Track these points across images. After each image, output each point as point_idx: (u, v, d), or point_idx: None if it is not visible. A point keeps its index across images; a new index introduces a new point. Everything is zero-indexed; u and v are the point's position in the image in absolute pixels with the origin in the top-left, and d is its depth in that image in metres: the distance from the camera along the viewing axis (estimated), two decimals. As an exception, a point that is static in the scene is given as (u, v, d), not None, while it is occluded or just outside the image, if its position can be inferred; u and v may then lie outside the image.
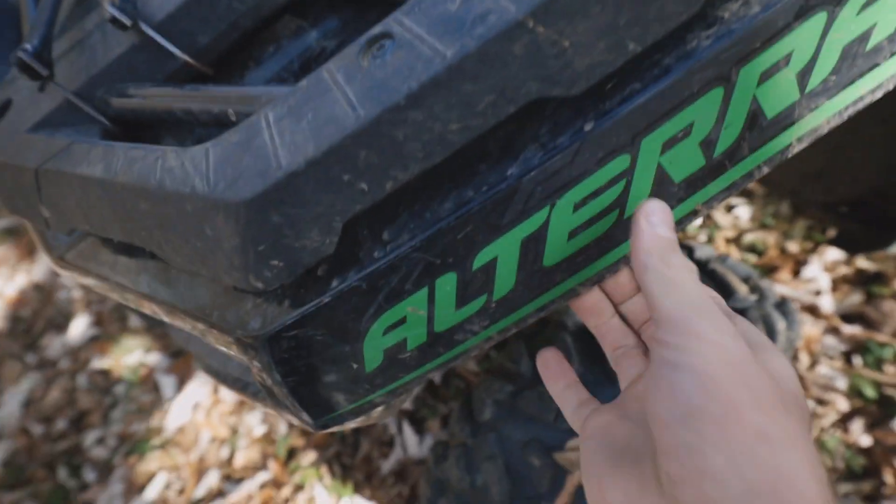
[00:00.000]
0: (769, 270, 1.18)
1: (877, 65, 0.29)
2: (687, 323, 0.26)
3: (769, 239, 1.22)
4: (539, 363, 0.40)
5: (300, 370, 0.33)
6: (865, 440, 0.95)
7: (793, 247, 1.19)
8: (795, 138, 0.30)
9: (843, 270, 1.14)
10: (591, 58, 0.25)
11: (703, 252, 0.76)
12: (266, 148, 0.27)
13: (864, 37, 0.29)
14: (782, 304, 0.73)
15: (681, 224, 0.31)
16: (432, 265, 0.30)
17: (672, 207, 0.30)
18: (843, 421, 0.98)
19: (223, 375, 0.52)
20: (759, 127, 0.29)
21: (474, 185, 0.28)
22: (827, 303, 1.11)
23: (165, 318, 0.42)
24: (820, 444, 0.96)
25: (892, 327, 1.03)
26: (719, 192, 0.31)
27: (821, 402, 1.01)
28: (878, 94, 0.30)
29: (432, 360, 0.35)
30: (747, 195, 1.28)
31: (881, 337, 1.03)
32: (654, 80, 0.27)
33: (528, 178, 0.28)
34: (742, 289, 0.70)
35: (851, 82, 0.29)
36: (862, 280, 1.12)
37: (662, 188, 0.30)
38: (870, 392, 0.98)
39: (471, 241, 0.29)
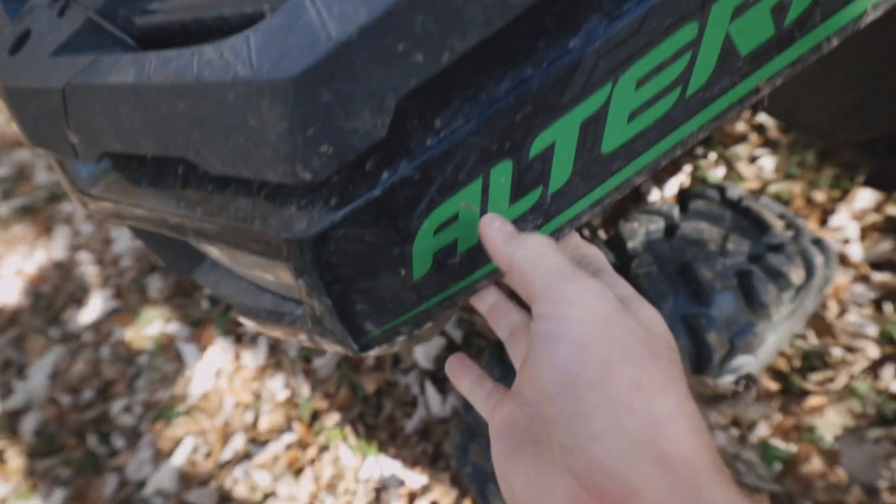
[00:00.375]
0: (795, 220, 1.16)
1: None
2: (555, 289, 0.26)
3: (795, 188, 1.19)
4: (447, 370, 0.40)
5: (346, 277, 0.32)
6: (897, 385, 0.93)
7: (819, 196, 1.17)
8: (871, 4, 0.28)
9: (873, 218, 1.11)
10: None
11: (734, 191, 0.74)
12: (313, 23, 0.26)
13: None
14: (819, 241, 0.71)
15: (742, 103, 0.30)
16: (488, 152, 0.28)
17: (734, 84, 0.29)
18: (874, 368, 0.97)
19: (256, 311, 0.51)
20: (836, -10, 0.27)
21: (533, 61, 0.27)
22: (856, 251, 1.08)
23: (203, 242, 0.41)
24: (850, 391, 0.95)
25: (925, 272, 1.01)
26: (784, 68, 0.29)
27: (850, 349, 1.00)
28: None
29: (482, 266, 0.34)
30: (772, 146, 1.25)
31: (913, 282, 1.00)
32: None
33: (591, 51, 0.26)
34: (778, 225, 0.68)
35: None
36: (892, 227, 1.09)
37: (727, 62, 0.28)
38: (902, 337, 0.96)
39: (529, 123, 0.28)
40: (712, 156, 1.28)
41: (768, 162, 1.23)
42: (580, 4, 0.26)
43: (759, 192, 1.20)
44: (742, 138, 1.27)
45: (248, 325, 0.55)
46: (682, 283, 0.61)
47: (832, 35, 0.29)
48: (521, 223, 0.32)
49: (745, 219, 0.69)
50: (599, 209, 0.32)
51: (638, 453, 0.23)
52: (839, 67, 0.81)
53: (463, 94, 0.28)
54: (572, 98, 0.27)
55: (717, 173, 1.24)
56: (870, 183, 0.86)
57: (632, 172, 0.31)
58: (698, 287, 0.60)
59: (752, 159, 1.24)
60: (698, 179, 1.24)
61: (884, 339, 0.98)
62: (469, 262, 0.33)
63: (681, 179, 1.27)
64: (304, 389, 1.26)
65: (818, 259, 0.66)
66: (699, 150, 1.29)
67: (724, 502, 0.22)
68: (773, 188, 1.20)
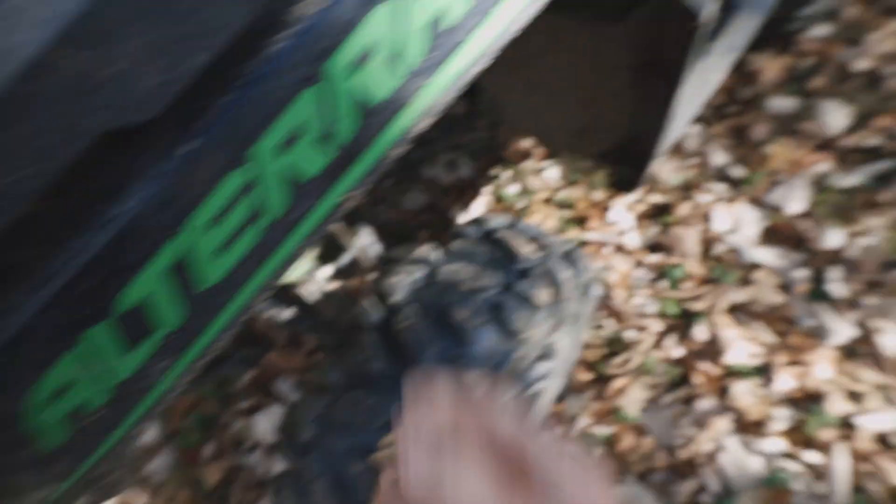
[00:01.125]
0: (582, 221, 1.29)
1: (460, 43, 0.32)
2: None
3: (577, 193, 1.33)
4: None
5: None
6: (677, 352, 1.07)
7: (598, 196, 1.32)
8: (420, 114, 0.32)
9: (641, 208, 1.28)
10: (153, 78, 0.25)
11: (495, 221, 0.81)
12: None
13: (441, 16, 0.31)
14: (569, 253, 0.80)
15: (336, 212, 0.32)
16: (72, 321, 0.28)
17: (318, 201, 0.31)
18: (658, 341, 1.11)
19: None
20: (372, 114, 0.31)
21: (86, 231, 0.27)
22: (632, 239, 1.24)
23: None
24: (644, 367, 1.08)
25: (680, 249, 1.17)
26: (362, 178, 0.32)
27: (640, 329, 1.13)
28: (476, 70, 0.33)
29: (130, 411, 0.33)
30: (555, 156, 1.39)
31: (673, 259, 1.17)
32: (241, 90, 0.27)
33: (142, 213, 0.27)
34: (526, 250, 0.75)
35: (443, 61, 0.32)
36: (658, 212, 1.26)
37: (300, 189, 0.30)
38: (674, 309, 1.12)
39: (104, 288, 0.27)
40: (507, 174, 1.39)
41: (553, 172, 1.36)
42: (118, 172, 0.27)
43: (549, 201, 1.33)
44: (527, 154, 1.39)
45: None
46: (443, 328, 0.65)
47: (393, 144, 0.32)
48: (155, 363, 0.31)
49: (498, 249, 0.75)
50: (234, 328, 0.33)
51: None
52: (564, 95, 0.92)
53: (25, 272, 0.27)
54: (141, 257, 0.28)
55: (513, 190, 1.35)
56: (614, 186, 0.99)
57: (252, 292, 0.32)
58: (456, 329, 0.64)
59: (538, 171, 1.37)
60: (497, 197, 1.34)
61: (662, 314, 1.13)
62: (115, 413, 0.32)
63: (485, 199, 1.36)
64: (140, 502, 1.14)
65: (564, 274, 0.74)
66: (495, 171, 1.39)
67: None
68: (561, 195, 1.33)
